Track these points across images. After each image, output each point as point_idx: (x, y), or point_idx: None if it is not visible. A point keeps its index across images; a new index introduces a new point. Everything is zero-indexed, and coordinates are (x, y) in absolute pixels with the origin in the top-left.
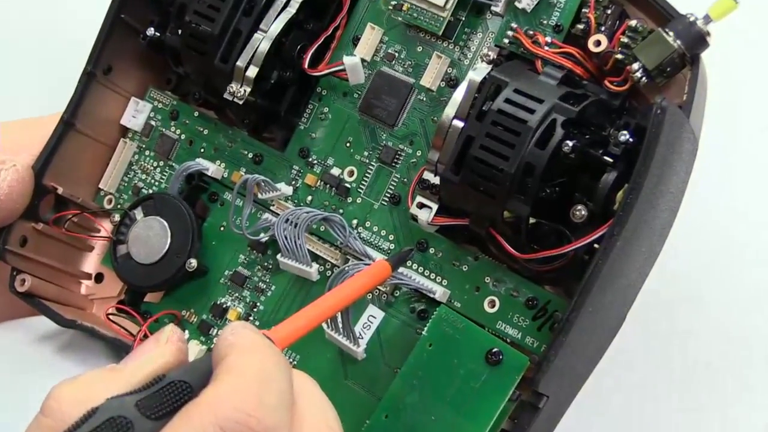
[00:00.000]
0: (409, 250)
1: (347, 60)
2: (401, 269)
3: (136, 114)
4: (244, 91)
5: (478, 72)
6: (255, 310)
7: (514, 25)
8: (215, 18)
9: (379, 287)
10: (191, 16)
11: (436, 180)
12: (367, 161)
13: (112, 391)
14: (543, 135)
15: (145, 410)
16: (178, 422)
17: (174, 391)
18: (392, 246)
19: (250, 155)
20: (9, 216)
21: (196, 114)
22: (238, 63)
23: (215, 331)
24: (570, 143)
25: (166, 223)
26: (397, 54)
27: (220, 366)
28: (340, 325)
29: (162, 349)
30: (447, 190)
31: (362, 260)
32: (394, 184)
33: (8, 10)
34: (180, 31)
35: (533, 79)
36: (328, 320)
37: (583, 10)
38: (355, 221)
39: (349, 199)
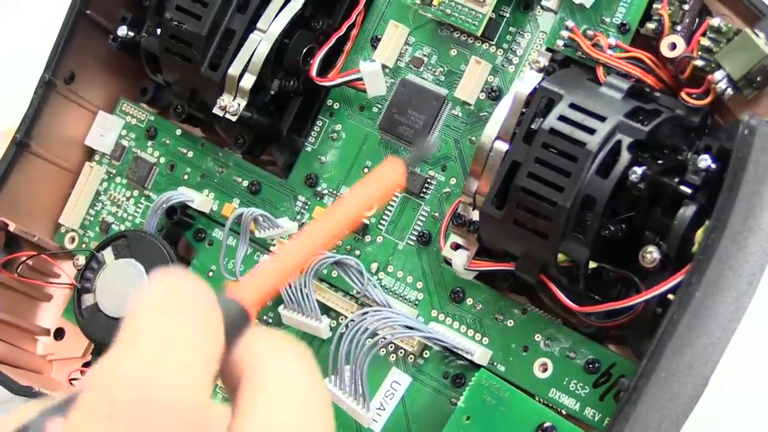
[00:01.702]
0: (434, 145)
1: (365, 66)
2: (432, 325)
3: (104, 132)
4: (238, 104)
5: (526, 82)
6: None
7: (569, 23)
8: (202, 15)
9: (405, 347)
10: (172, 12)
11: (474, 215)
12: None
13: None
14: (605, 160)
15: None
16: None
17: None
18: (420, 296)
19: (245, 183)
20: None
21: (178, 132)
22: (231, 70)
23: None
24: (639, 171)
25: (141, 268)
26: (426, 58)
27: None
28: (347, 382)
29: None
30: (488, 227)
31: (382, 312)
32: (423, 219)
33: None
34: (159, 31)
35: (593, 91)
36: (332, 376)
37: (655, 5)
38: (374, 265)
39: (368, 238)
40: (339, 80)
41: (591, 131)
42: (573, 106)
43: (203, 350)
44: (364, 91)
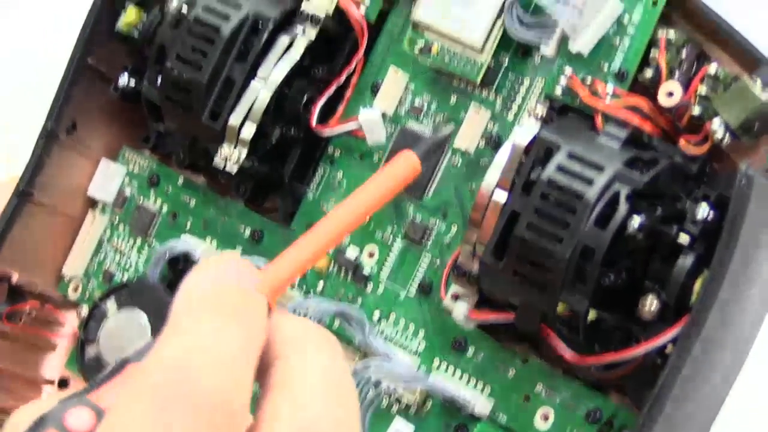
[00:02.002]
0: (449, 133)
1: (364, 115)
2: (434, 375)
3: (106, 180)
4: (239, 155)
5: (525, 131)
6: None
7: (568, 71)
8: (202, 64)
9: (407, 397)
10: (173, 61)
11: (475, 265)
12: (391, 240)
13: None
14: (604, 211)
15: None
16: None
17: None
18: (422, 345)
19: (248, 231)
20: None
21: (180, 180)
22: (231, 120)
23: None
24: (637, 221)
25: (145, 318)
26: (425, 107)
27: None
28: None
29: None
30: (488, 278)
31: (384, 363)
32: (424, 268)
33: None
34: (160, 80)
35: (592, 140)
36: None
37: (652, 52)
38: (376, 314)
39: (369, 288)
40: (339, 129)
41: (589, 182)
42: (571, 156)
43: (246, 340)
44: (365, 140)
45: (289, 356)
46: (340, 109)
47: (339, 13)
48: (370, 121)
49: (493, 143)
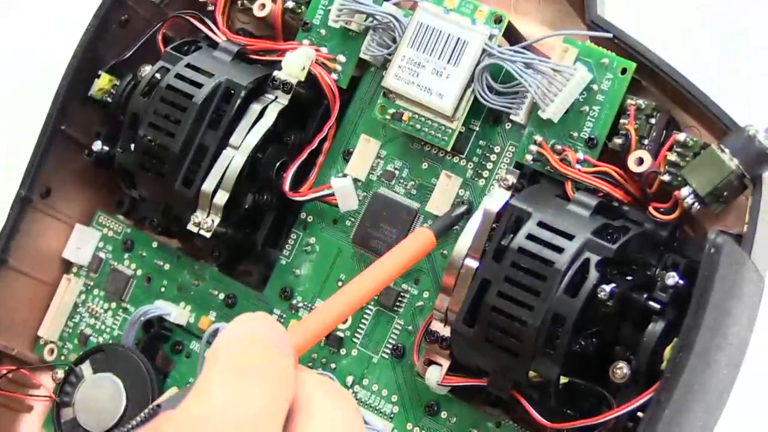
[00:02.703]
0: (457, 207)
1: (336, 182)
2: None
3: (81, 245)
4: (212, 221)
5: (495, 199)
6: None
7: (538, 138)
8: (175, 132)
9: None
10: (146, 129)
11: (447, 331)
12: (364, 305)
13: None
14: (574, 279)
15: None
16: None
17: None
18: (395, 409)
19: (222, 296)
20: None
21: (154, 245)
22: (204, 187)
23: None
24: (607, 288)
25: (119, 382)
26: (397, 172)
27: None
28: None
29: None
30: (459, 345)
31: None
32: (397, 333)
33: None
34: (133, 147)
35: (562, 207)
36: None
37: (622, 120)
38: (350, 378)
39: (343, 351)
40: (311, 195)
41: (559, 250)
42: (541, 224)
43: (275, 396)
44: (337, 206)
45: (311, 411)
46: (313, 175)
47: (311, 80)
48: (342, 188)
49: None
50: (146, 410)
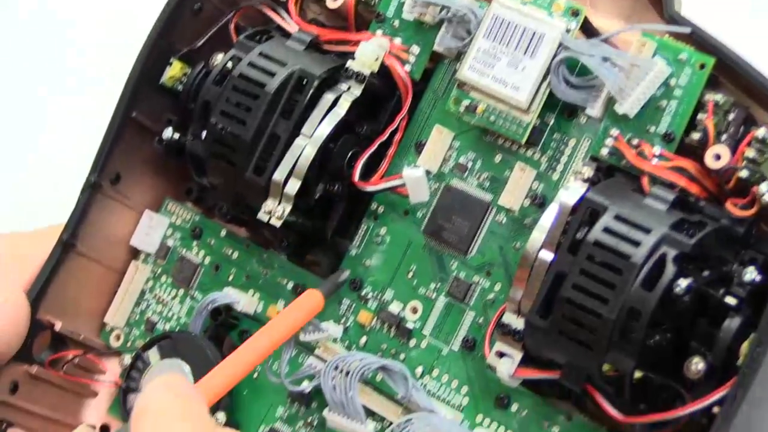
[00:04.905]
0: (341, 273)
1: (408, 173)
2: (477, 430)
3: (149, 231)
4: (283, 210)
5: (571, 192)
6: None
7: (614, 132)
8: (247, 120)
9: None
10: (218, 117)
11: (519, 324)
12: (434, 296)
13: None
14: (650, 273)
15: None
16: None
17: None
18: (465, 400)
19: (290, 285)
20: None
21: (223, 233)
22: (276, 176)
23: None
24: (684, 283)
25: (187, 369)
26: (470, 164)
27: None
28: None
29: None
30: (533, 337)
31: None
32: (468, 325)
33: None
34: (204, 135)
35: (638, 202)
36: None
37: (700, 115)
38: (419, 369)
39: (412, 343)
40: (382, 186)
41: (636, 244)
42: (618, 218)
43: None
44: (407, 197)
45: None
46: (384, 165)
47: (384, 71)
48: (414, 179)
49: (538, 202)
50: None
